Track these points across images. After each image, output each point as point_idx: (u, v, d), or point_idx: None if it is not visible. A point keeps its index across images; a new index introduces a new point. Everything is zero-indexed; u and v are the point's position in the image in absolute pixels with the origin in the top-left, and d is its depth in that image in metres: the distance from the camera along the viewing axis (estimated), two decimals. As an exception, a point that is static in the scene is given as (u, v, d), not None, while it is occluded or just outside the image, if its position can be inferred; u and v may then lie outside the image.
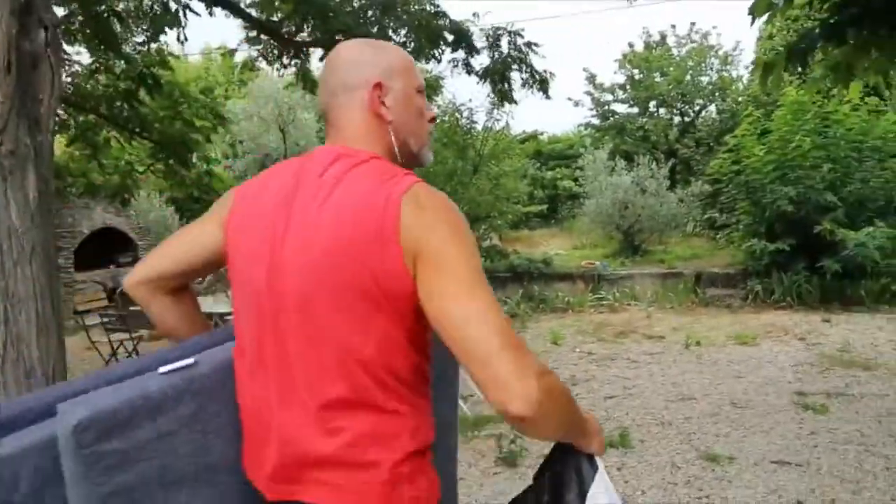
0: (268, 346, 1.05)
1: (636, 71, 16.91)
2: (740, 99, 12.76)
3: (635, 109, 16.76)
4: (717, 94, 14.49)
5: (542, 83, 6.90)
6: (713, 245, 11.62)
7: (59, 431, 1.00)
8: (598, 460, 1.16)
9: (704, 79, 15.57)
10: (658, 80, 16.35)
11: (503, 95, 6.91)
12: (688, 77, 15.80)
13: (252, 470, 1.11)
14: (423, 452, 1.03)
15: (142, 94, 6.36)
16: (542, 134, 20.06)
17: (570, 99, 17.21)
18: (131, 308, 7.65)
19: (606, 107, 16.84)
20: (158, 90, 6.13)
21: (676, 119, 16.75)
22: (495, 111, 7.67)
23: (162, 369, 1.11)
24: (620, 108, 17.03)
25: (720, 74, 14.83)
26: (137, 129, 6.93)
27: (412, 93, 1.15)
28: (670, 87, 15.62)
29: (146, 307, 1.29)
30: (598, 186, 11.29)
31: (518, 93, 6.81)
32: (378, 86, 1.11)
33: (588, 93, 16.92)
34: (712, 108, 14.73)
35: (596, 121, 17.22)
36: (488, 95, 7.63)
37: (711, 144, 12.44)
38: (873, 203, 8.75)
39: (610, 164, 11.35)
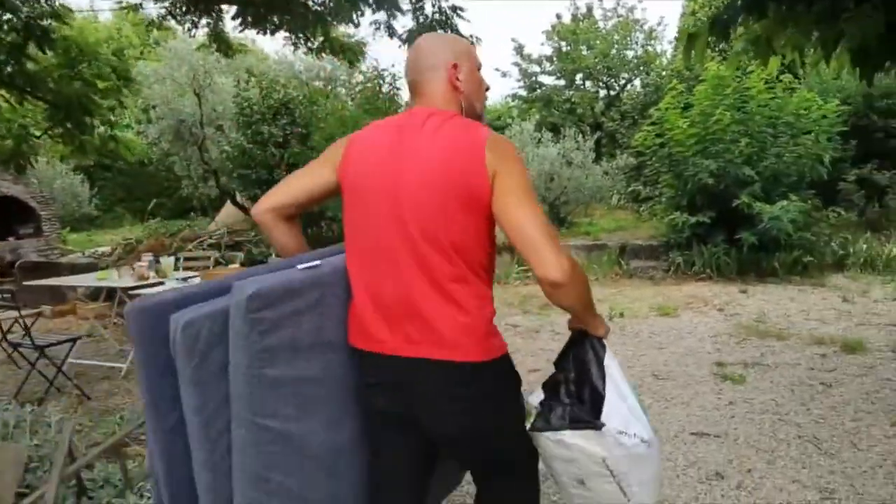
0: (393, 246, 1.51)
1: (563, 43, 16.95)
2: (664, 73, 12.91)
3: (562, 82, 16.81)
4: (641, 68, 14.67)
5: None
6: (637, 217, 11.80)
7: (233, 300, 1.46)
8: (605, 341, 1.71)
9: (630, 53, 15.74)
10: (585, 52, 16.43)
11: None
12: (613, 51, 15.94)
13: (368, 340, 1.59)
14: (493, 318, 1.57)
15: (32, 49, 5.81)
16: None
17: (497, 70, 17.10)
18: (25, 283, 7.11)
19: (534, 78, 16.82)
20: (49, 44, 5.60)
21: (602, 92, 16.91)
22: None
23: (299, 266, 1.60)
24: (548, 80, 17.05)
25: (645, 49, 15.01)
26: (28, 89, 6.33)
27: (475, 70, 1.70)
28: (596, 60, 15.72)
29: (269, 230, 1.76)
30: (524, 158, 11.22)
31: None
32: (454, 66, 1.63)
33: (516, 63, 16.85)
34: (637, 82, 14.90)
35: (523, 92, 17.19)
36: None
37: (636, 118, 12.59)
38: (787, 178, 9.01)
39: (536, 136, 11.28)
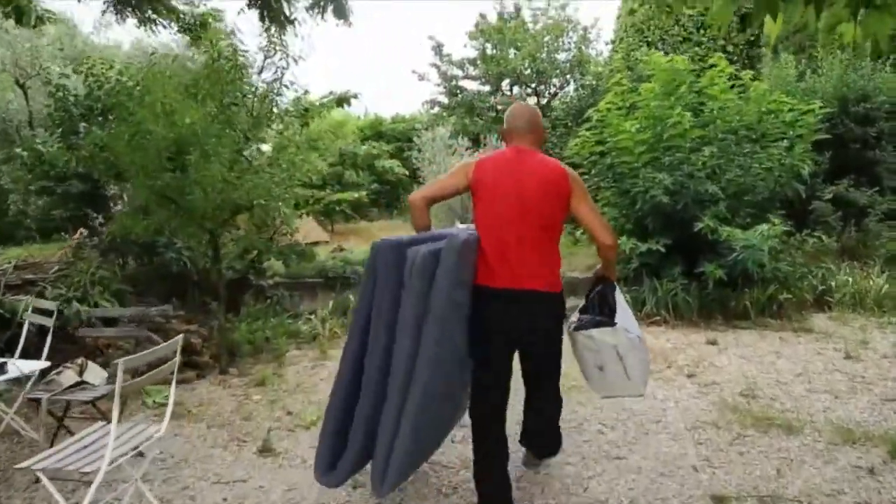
0: (516, 225, 2.76)
1: (489, 45, 15.17)
2: (601, 70, 11.20)
3: (487, 87, 15.00)
4: (575, 69, 12.96)
5: (336, 5, 4.67)
6: (572, 242, 9.93)
7: (448, 245, 2.61)
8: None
9: (562, 56, 14.07)
10: (512, 56, 14.69)
11: (275, 18, 4.62)
12: (543, 54, 14.24)
13: (496, 278, 2.78)
14: None
15: None
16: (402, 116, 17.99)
17: (414, 72, 15.15)
18: None
19: (454, 82, 14.93)
20: None
21: (532, 100, 15.17)
22: (281, 60, 5.28)
23: (460, 225, 3.32)
24: (471, 86, 15.21)
25: (579, 49, 13.36)
26: None
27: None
28: (524, 62, 13.97)
29: (420, 212, 2.95)
30: (435, 171, 9.26)
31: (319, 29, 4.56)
32: (543, 131, 3.11)
33: (434, 65, 14.93)
34: (570, 87, 13.21)
35: (444, 98, 15.28)
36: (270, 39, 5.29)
37: (570, 124, 10.81)
38: (754, 196, 7.29)
39: (451, 144, 9.34)
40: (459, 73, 15.18)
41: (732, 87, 7.55)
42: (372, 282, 2.72)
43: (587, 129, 7.98)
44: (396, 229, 14.10)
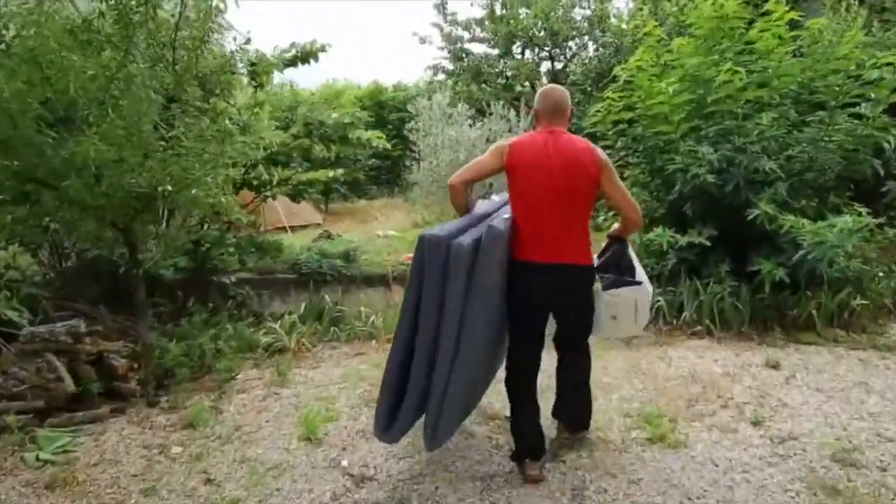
0: (550, 203, 3.00)
1: (498, 3, 13.67)
2: (625, 27, 9.70)
3: (495, 51, 13.52)
4: (595, 27, 11.43)
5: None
6: (594, 228, 8.54)
7: (488, 235, 2.89)
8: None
9: (579, 13, 12.56)
10: (523, 15, 13.18)
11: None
12: (559, 11, 12.71)
13: (533, 254, 3.06)
14: None
15: None
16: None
17: (415, 34, 13.71)
18: None
19: (458, 45, 13.46)
20: None
21: (546, 65, 13.73)
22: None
23: (504, 216, 3.09)
24: (479, 49, 13.76)
25: (599, 1, 11.81)
26: None
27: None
28: (537, 21, 12.47)
29: (459, 195, 3.21)
30: (432, 143, 7.91)
31: None
32: (571, 111, 3.27)
33: (437, 25, 13.46)
34: (589, 48, 11.69)
35: (448, 63, 13.83)
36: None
37: (589, 89, 9.38)
38: (820, 174, 5.87)
39: (450, 112, 7.96)
40: (465, 34, 13.71)
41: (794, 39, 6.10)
42: (419, 270, 2.95)
43: (613, 92, 6.57)
44: (395, 209, 12.79)
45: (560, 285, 3.12)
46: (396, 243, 8.68)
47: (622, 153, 6.77)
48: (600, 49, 9.85)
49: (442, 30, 13.46)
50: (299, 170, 6.45)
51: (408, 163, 8.53)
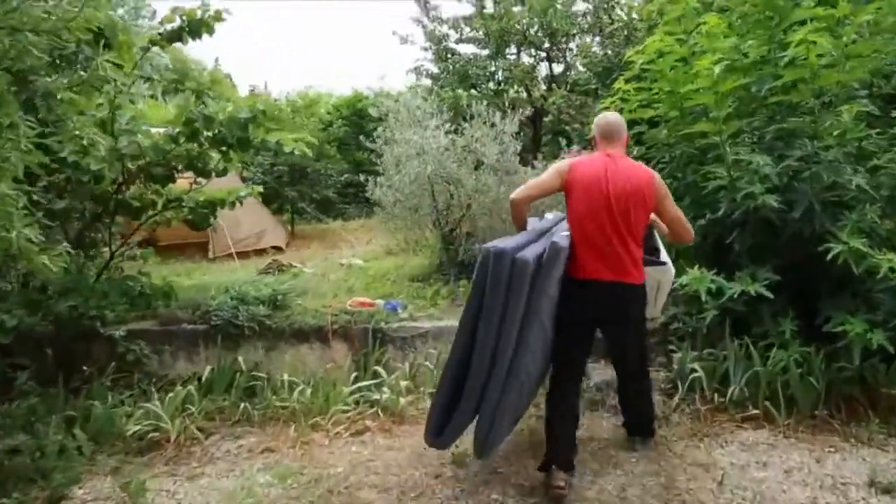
0: (606, 224, 3.16)
1: (490, 0, 12.07)
2: (636, 17, 8.04)
3: (486, 52, 11.90)
4: (602, 18, 9.74)
5: None
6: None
7: (551, 249, 3.05)
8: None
9: (581, 6, 10.93)
10: (517, 10, 11.56)
11: None
12: (559, 5, 11.10)
13: (589, 272, 3.21)
14: None
15: None
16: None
17: (395, 33, 12.11)
18: None
19: (444, 44, 11.86)
20: None
21: (544, 69, 12.09)
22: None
23: (563, 233, 3.24)
24: (468, 50, 12.14)
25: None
26: None
27: None
28: (531, 17, 10.87)
29: (522, 211, 3.42)
30: (396, 154, 6.22)
31: None
32: (628, 137, 3.63)
33: (418, 21, 11.87)
34: (595, 44, 10.02)
35: (433, 66, 12.21)
36: None
37: (596, 88, 7.74)
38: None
39: (419, 114, 6.26)
40: (452, 33, 12.10)
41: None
42: (482, 283, 3.01)
43: (626, 82, 4.92)
44: (371, 231, 11.10)
45: (612, 302, 3.28)
46: (355, 278, 7.00)
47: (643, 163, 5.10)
48: (607, 39, 8.21)
49: (425, 27, 11.85)
50: (200, 186, 4.76)
51: (363, 178, 6.82)
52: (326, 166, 12.11)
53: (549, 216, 3.94)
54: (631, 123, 5.09)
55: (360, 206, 13.71)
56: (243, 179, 11.63)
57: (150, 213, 4.66)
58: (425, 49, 12.23)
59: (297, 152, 4.42)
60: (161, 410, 4.16)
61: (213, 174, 4.58)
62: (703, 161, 4.61)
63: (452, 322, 5.18)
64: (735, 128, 4.20)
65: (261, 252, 10.15)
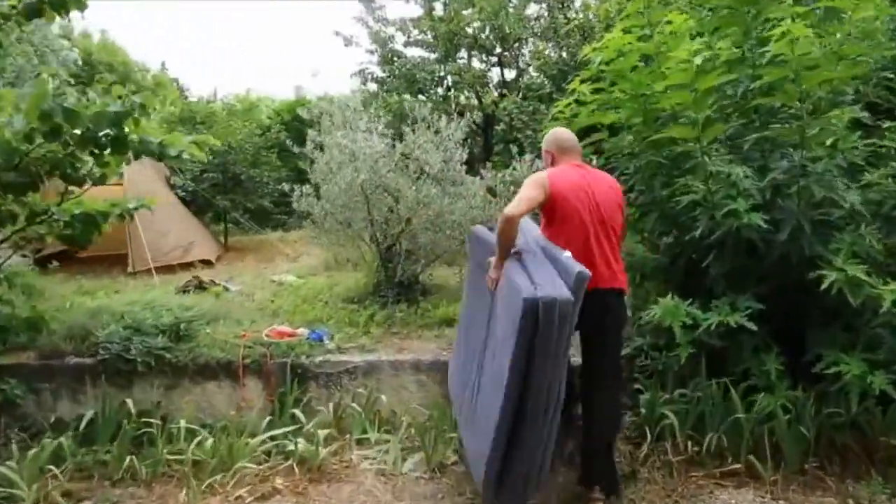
0: (599, 232, 3.19)
1: (439, 3, 11.47)
2: (593, 17, 7.49)
3: (434, 55, 11.27)
4: (556, 13, 9.16)
5: None
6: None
7: (577, 277, 2.83)
8: None
9: (533, 8, 10.41)
10: (468, 13, 10.97)
11: None
12: (510, 7, 10.56)
13: (591, 283, 2.89)
14: None
15: None
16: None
17: (338, 34, 11.38)
18: None
19: (389, 46, 11.19)
20: None
21: (495, 74, 11.53)
22: None
23: (566, 254, 3.05)
24: (415, 54, 11.48)
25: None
26: None
27: None
28: (481, 19, 10.30)
29: (516, 228, 3.13)
30: (327, 161, 5.49)
31: None
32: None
33: (362, 21, 11.18)
34: (549, 48, 9.47)
35: (378, 70, 11.52)
36: None
37: (550, 91, 7.17)
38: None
39: (350, 113, 5.57)
40: (399, 35, 11.44)
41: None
42: (529, 342, 2.76)
43: (583, 83, 4.32)
44: (311, 243, 10.29)
45: (609, 310, 3.23)
46: (283, 299, 6.24)
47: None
48: (562, 40, 7.64)
49: (370, 28, 11.16)
50: (72, 196, 3.94)
51: (288, 187, 6.08)
52: (263, 174, 11.23)
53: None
54: (588, 130, 4.52)
55: (300, 217, 12.90)
56: (172, 186, 10.77)
57: (12, 228, 3.81)
58: (371, 52, 11.56)
59: (188, 156, 3.65)
60: (13, 473, 3.34)
61: (89, 182, 3.78)
62: (671, 172, 4.04)
63: (386, 355, 4.50)
64: (717, 132, 3.61)
65: (188, 266, 9.24)
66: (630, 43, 4.01)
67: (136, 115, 3.19)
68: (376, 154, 5.14)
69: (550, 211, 3.24)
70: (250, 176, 11.08)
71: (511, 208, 3.12)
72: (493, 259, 3.25)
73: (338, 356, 4.42)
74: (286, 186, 6.13)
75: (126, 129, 3.25)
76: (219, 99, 12.94)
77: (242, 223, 11.29)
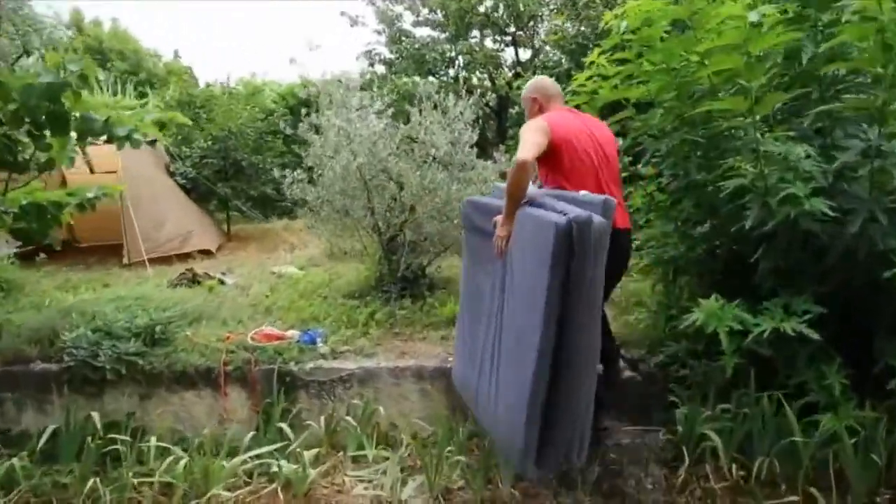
0: (605, 172, 3.12)
1: (450, -21, 10.90)
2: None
3: (444, 35, 10.73)
4: (569, 4, 8.63)
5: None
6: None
7: (605, 204, 2.67)
8: None
9: (549, -16, 9.83)
10: (479, -10, 10.41)
11: None
12: (525, -16, 9.98)
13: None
14: None
15: None
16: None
17: (343, 14, 10.87)
18: None
19: (396, 25, 10.66)
20: None
21: (509, 55, 10.97)
22: None
23: (583, 193, 2.89)
24: (424, 33, 10.95)
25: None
26: None
27: None
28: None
29: (529, 174, 2.92)
30: (323, 143, 4.99)
31: None
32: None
33: (371, 2, 10.64)
34: (568, 23, 8.89)
35: (385, 50, 11.00)
36: None
37: (568, 67, 6.61)
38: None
39: (343, 91, 5.05)
40: (408, 14, 10.92)
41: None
42: (564, 270, 2.52)
43: (602, 54, 3.79)
44: (303, 232, 9.80)
45: (624, 250, 3.15)
46: (280, 293, 5.77)
47: (631, 159, 4.03)
48: (582, 11, 7.07)
49: (376, 6, 10.64)
50: (18, 185, 3.46)
51: (277, 174, 5.60)
52: (266, 160, 10.73)
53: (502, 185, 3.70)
54: (612, 108, 3.99)
55: (298, 205, 12.40)
56: (171, 174, 10.32)
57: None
58: (378, 32, 11.05)
59: (141, 137, 3.15)
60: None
61: (36, 168, 3.30)
62: (708, 153, 3.51)
63: (386, 361, 4.01)
64: (775, 102, 3.05)
65: (186, 257, 8.82)
66: (658, 7, 3.47)
67: (74, 88, 2.70)
68: (374, 135, 4.62)
69: (555, 157, 3.08)
70: (252, 162, 10.59)
71: (524, 153, 2.91)
72: (498, 218, 3.00)
73: (331, 362, 3.93)
74: (276, 172, 5.64)
75: (66, 105, 2.76)
76: (219, 83, 12.36)
77: (245, 211, 10.82)
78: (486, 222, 3.16)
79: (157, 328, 4.03)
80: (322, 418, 3.70)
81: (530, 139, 2.98)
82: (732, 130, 3.32)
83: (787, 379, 3.14)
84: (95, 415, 3.60)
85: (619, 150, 3.47)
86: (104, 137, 3.16)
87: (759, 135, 2.96)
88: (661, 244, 4.11)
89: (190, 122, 3.96)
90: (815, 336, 2.82)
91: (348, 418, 3.65)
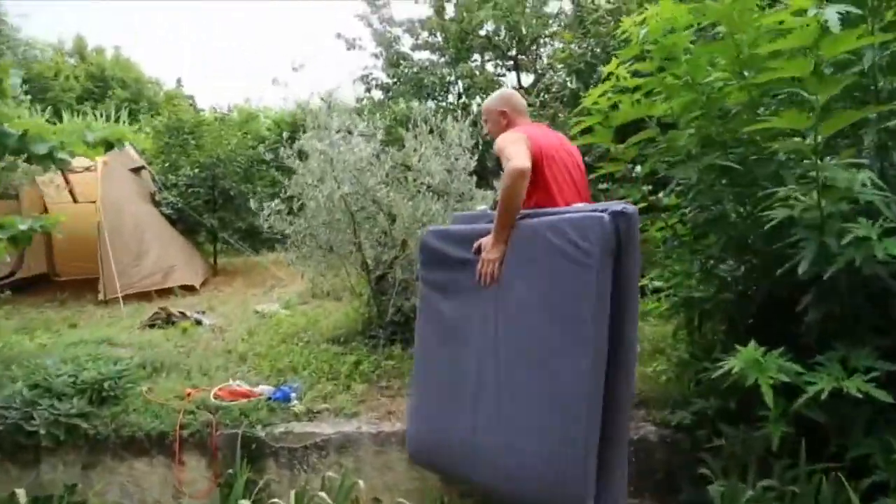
0: (580, 191, 3.05)
1: (450, 4, 10.58)
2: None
3: (443, 58, 10.35)
4: (581, 11, 8.18)
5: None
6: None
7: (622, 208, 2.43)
8: None
9: (552, 6, 9.47)
10: (482, 14, 10.06)
11: None
12: (527, 7, 9.63)
13: None
14: None
15: None
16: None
17: (339, 36, 10.51)
18: None
19: (394, 48, 10.29)
20: None
21: (511, 77, 10.59)
22: None
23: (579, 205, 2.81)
24: (423, 57, 10.58)
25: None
26: None
27: None
28: (495, 14, 9.36)
29: (526, 183, 2.66)
30: (308, 171, 4.52)
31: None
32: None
33: (363, 19, 10.28)
34: (574, 42, 8.50)
35: (383, 75, 10.61)
36: None
37: (577, 89, 6.18)
38: None
39: (324, 115, 4.60)
40: (407, 37, 10.57)
41: None
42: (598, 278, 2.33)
43: (621, 65, 3.35)
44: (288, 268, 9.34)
45: None
46: (259, 337, 5.27)
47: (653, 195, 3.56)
48: (591, 27, 6.62)
49: (373, 28, 10.27)
50: None
51: (254, 206, 5.14)
52: (256, 189, 10.27)
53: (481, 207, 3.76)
54: (634, 127, 3.52)
55: (274, 240, 11.90)
56: (157, 204, 9.88)
57: None
58: (375, 56, 10.68)
59: (67, 156, 2.69)
60: None
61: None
62: (740, 181, 3.03)
63: (368, 424, 3.48)
64: (846, 123, 2.53)
65: (167, 293, 8.36)
66: (679, 14, 3.02)
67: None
68: (360, 161, 4.17)
69: (536, 173, 2.80)
70: (241, 191, 10.12)
71: (519, 160, 2.66)
72: (484, 241, 2.72)
73: (305, 425, 3.39)
74: (253, 204, 5.19)
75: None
76: (209, 108, 12.04)
77: (233, 244, 10.33)
78: (463, 250, 2.85)
79: (106, 384, 3.51)
80: (292, 493, 3.17)
81: (518, 149, 2.75)
82: (774, 155, 2.83)
83: (841, 449, 2.63)
84: (21, 492, 3.07)
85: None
86: (88, 164, 2.73)
87: (819, 160, 2.45)
88: (683, 284, 3.62)
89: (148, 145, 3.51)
90: (889, 399, 2.31)
91: (322, 494, 3.12)
